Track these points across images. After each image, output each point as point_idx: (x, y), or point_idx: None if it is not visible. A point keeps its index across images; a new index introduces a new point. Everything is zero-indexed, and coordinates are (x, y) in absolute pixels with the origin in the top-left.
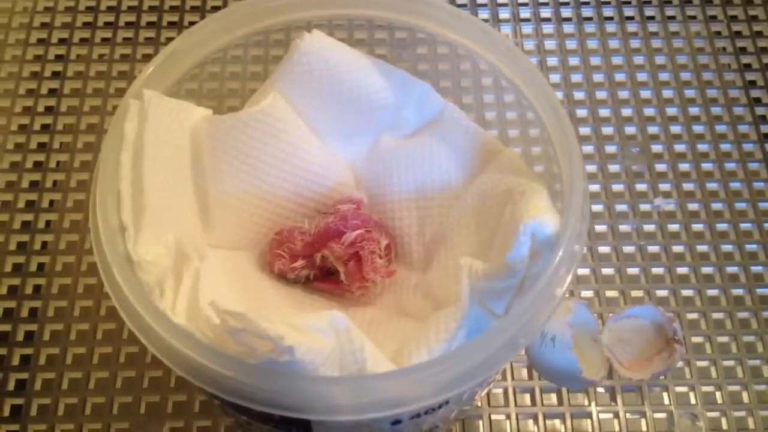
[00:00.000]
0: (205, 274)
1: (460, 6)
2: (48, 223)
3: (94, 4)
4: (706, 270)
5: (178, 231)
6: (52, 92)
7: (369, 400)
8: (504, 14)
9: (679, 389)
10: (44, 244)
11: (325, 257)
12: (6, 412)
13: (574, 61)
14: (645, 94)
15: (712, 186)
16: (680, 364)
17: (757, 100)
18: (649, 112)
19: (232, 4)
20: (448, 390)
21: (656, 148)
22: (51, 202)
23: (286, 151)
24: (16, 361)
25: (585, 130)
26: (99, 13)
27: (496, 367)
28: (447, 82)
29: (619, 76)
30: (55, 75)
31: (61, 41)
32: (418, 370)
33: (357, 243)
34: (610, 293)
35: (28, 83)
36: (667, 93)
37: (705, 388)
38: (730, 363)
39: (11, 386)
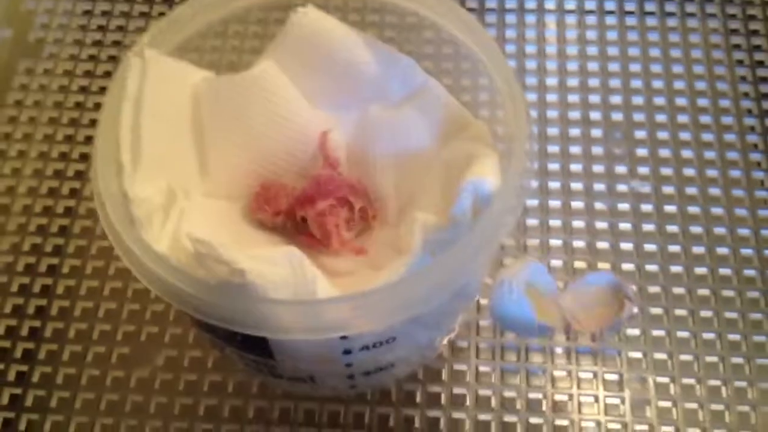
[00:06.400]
0: (189, 213)
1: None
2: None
3: None
4: (672, 248)
5: (172, 178)
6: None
7: (312, 322)
8: (510, 4)
9: (632, 354)
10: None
11: (305, 218)
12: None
13: (572, 50)
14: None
15: (689, 172)
16: (637, 332)
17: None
18: (637, 100)
19: None
20: (387, 319)
21: (639, 134)
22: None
23: (277, 113)
24: None
25: (574, 114)
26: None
27: (433, 301)
28: (428, 63)
29: (613, 66)
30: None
31: None
32: (358, 298)
33: (325, 215)
34: (579, 264)
35: None
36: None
37: (657, 355)
38: (685, 335)
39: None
